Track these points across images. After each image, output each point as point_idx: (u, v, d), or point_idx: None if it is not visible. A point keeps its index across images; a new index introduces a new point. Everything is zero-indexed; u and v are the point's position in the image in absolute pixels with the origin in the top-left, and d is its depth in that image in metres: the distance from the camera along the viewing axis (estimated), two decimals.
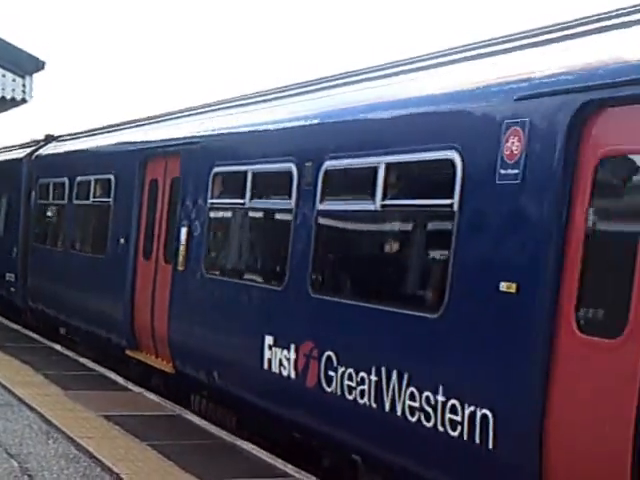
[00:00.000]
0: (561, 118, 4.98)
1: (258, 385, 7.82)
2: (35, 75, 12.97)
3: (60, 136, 15.50)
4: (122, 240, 11.01)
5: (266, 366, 7.53)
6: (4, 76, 12.87)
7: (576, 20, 5.73)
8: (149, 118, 12.14)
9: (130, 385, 10.18)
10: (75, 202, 13.10)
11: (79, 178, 12.98)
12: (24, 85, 12.71)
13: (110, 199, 11.66)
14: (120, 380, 10.43)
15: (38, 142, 16.06)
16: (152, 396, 9.68)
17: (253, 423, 8.30)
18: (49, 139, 15.72)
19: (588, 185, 4.83)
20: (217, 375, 8.54)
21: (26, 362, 11.07)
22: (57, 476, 6.55)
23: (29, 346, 12.58)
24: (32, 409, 8.57)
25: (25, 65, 12.75)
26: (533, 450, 4.83)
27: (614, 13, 5.41)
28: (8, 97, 12.86)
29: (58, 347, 12.50)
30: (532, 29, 6.02)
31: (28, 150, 15.89)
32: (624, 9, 5.35)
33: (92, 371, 11.00)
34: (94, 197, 12.40)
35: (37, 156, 15.25)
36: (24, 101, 12.90)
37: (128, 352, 10.64)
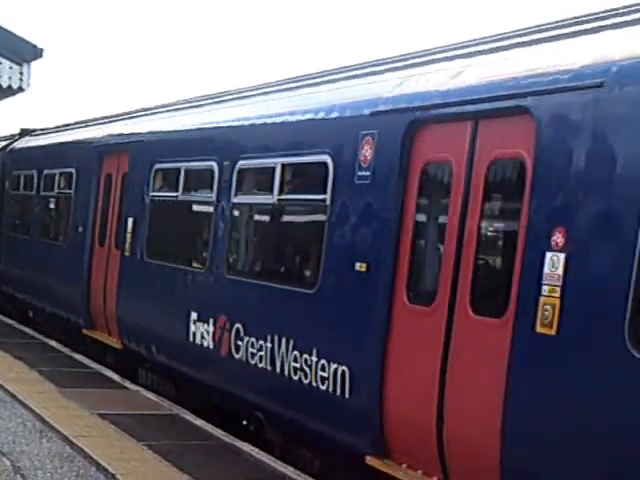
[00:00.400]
0: (397, 132, 6.41)
1: (186, 356, 9.01)
2: (33, 63, 12.78)
3: (34, 131, 16.43)
4: (81, 228, 12.30)
5: (192, 339, 8.74)
6: (1, 63, 12.66)
7: (409, 54, 7.46)
8: (108, 117, 13.34)
9: (127, 383, 10.03)
10: (42, 193, 14.26)
11: (46, 171, 14.14)
12: (21, 73, 12.50)
13: (72, 191, 12.93)
14: (116, 378, 10.29)
15: (14, 136, 16.97)
16: (149, 395, 9.54)
17: (189, 392, 9.34)
18: (24, 133, 16.60)
19: (416, 185, 6.28)
20: (155, 349, 9.71)
21: (20, 358, 10.92)
22: (51, 475, 6.43)
23: (23, 342, 12.44)
24: (26, 406, 8.43)
25: (23, 52, 12.54)
26: (376, 397, 6.25)
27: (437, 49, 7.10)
28: (5, 85, 12.65)
29: (53, 343, 12.36)
30: (388, 58, 7.70)
31: (4, 143, 16.97)
32: (445, 47, 7.01)
33: (87, 368, 10.86)
34: (58, 189, 13.64)
35: (11, 149, 16.30)
36: (21, 89, 12.68)
37: (85, 331, 11.76)
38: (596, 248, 4.81)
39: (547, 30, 6.07)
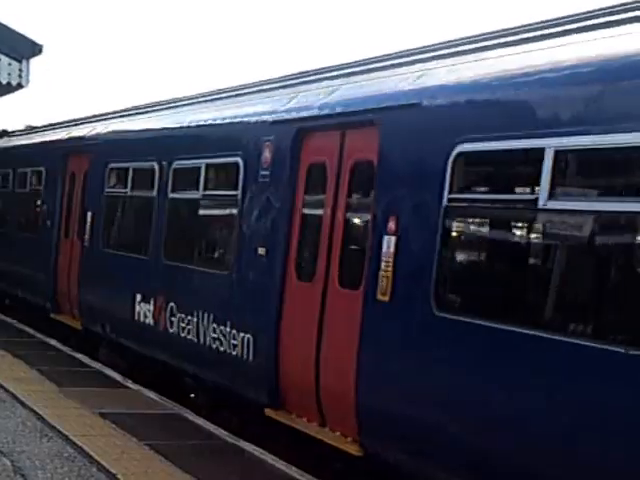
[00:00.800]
0: (288, 138, 7.81)
1: (132, 333, 10.34)
2: (32, 60, 12.69)
3: (13, 132, 17.87)
4: (49, 222, 13.62)
5: (137, 317, 10.08)
6: (0, 60, 12.59)
7: (303, 73, 8.96)
8: (74, 120, 14.73)
9: (128, 383, 9.96)
10: (17, 190, 15.68)
11: (20, 170, 15.56)
12: (20, 70, 12.43)
13: (41, 188, 14.39)
14: (117, 377, 10.24)
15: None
16: (150, 394, 9.47)
17: (140, 367, 10.51)
18: (3, 134, 17.95)
19: (303, 183, 7.62)
20: (108, 328, 11.10)
21: (20, 357, 10.86)
22: (51, 475, 6.36)
23: (24, 341, 12.39)
24: (25, 406, 8.37)
25: (22, 49, 12.48)
26: (272, 358, 7.61)
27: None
28: (4, 82, 12.59)
29: (53, 342, 12.30)
30: (287, 75, 9.24)
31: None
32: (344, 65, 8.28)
33: (88, 367, 10.81)
34: (30, 186, 15.10)
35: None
36: (20, 86, 12.61)
37: (52, 315, 13.07)
38: (414, 232, 6.24)
39: (399, 57, 7.54)
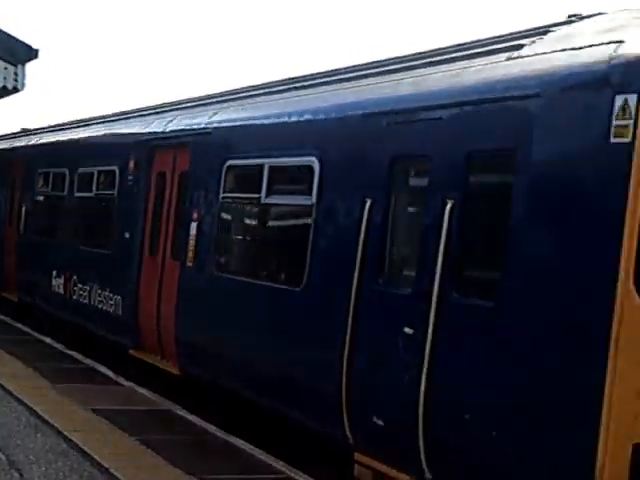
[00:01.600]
0: (145, 153, 10.64)
1: (51, 301, 13.12)
2: (28, 64, 12.82)
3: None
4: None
5: (54, 289, 12.90)
6: None
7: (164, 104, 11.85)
8: (24, 131, 17.80)
9: (121, 380, 10.08)
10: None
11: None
12: (16, 74, 12.57)
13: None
14: (110, 374, 10.35)
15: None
16: (142, 390, 9.60)
17: (57, 327, 13.08)
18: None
19: (153, 186, 10.39)
20: (37, 298, 13.84)
21: (15, 354, 10.98)
22: (45, 469, 6.48)
23: (19, 338, 12.50)
24: (21, 402, 8.49)
25: (18, 53, 12.60)
26: (133, 312, 10.31)
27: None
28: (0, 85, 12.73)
29: (48, 340, 12.41)
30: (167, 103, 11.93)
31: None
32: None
33: (81, 364, 10.93)
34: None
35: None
36: (16, 90, 12.75)
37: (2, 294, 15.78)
38: (206, 220, 9.00)
39: (210, 98, 10.53)
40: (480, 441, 5.25)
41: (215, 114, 9.46)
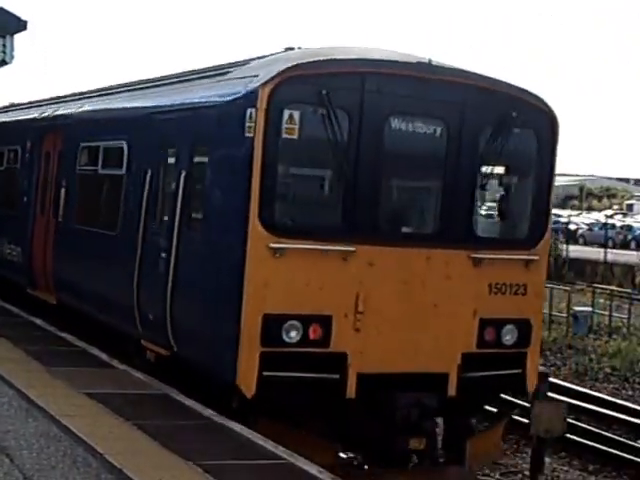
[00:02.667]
0: (37, 136, 13.63)
1: None
2: (16, 36, 12.57)
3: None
4: None
5: None
6: None
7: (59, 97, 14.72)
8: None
9: (115, 362, 9.91)
10: None
11: None
12: (4, 45, 12.35)
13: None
14: (104, 357, 10.18)
15: None
16: (137, 374, 9.43)
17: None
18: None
19: (42, 161, 13.18)
20: None
21: (6, 337, 10.79)
22: (37, 455, 6.34)
23: (9, 321, 12.31)
24: (12, 386, 8.34)
25: (6, 25, 12.37)
26: (27, 259, 13.23)
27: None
28: None
29: (39, 322, 12.24)
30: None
31: None
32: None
33: (74, 347, 10.75)
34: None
35: None
36: (4, 62, 12.54)
37: None
38: (67, 186, 12.08)
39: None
40: (195, 321, 8.47)
41: (79, 107, 12.48)
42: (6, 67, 13.24)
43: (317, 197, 8.38)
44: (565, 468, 11.68)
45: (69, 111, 12.65)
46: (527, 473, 10.72)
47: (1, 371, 8.86)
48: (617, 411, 14.01)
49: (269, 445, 7.07)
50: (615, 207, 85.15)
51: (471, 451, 8.32)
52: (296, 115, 7.65)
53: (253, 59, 8.94)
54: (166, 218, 9.05)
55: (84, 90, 13.70)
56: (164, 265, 8.81)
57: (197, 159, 8.65)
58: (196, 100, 8.98)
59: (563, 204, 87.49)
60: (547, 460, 10.85)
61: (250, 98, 7.73)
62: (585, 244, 46.26)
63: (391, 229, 8.29)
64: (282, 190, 7.95)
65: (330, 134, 7.74)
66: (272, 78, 7.68)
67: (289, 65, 7.85)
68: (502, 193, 8.65)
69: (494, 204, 8.74)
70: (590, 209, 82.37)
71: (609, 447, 12.03)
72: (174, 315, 8.60)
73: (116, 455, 6.41)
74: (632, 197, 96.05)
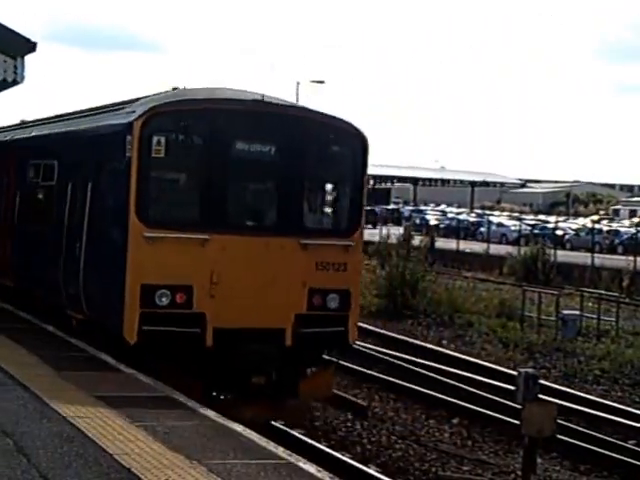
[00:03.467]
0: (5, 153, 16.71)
1: None
2: (27, 57, 13.02)
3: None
4: None
5: None
6: None
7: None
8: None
9: (121, 367, 10.30)
10: None
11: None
12: (16, 67, 12.77)
13: None
14: (111, 361, 10.56)
15: None
16: (143, 377, 9.81)
17: None
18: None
19: (7, 176, 15.58)
20: None
21: (20, 342, 11.19)
22: (51, 454, 6.68)
23: (23, 327, 12.70)
24: (27, 389, 8.69)
25: (17, 46, 12.80)
26: None
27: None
28: (0, 79, 12.92)
29: (50, 328, 12.62)
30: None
31: None
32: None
33: (84, 352, 11.11)
34: None
35: None
36: (15, 83, 12.98)
37: None
38: (20, 193, 14.89)
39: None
40: (97, 292, 11.21)
41: (29, 133, 15.24)
42: (17, 87, 13.75)
43: (180, 199, 11.13)
44: (557, 468, 11.97)
45: (23, 136, 15.60)
46: (519, 473, 11.01)
47: (17, 375, 9.23)
48: (607, 412, 14.28)
49: (271, 446, 7.40)
50: (601, 212, 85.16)
51: (304, 389, 11.19)
52: (162, 140, 10.34)
53: (143, 97, 11.62)
54: (79, 216, 11.78)
55: (38, 118, 17.06)
56: (78, 252, 11.61)
57: (98, 172, 11.49)
58: (98, 128, 11.92)
59: (550, 210, 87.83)
60: (538, 460, 11.14)
61: (129, 128, 10.48)
62: (572, 249, 46.49)
63: (238, 222, 10.93)
64: (153, 194, 10.70)
65: (188, 153, 10.68)
66: (143, 114, 10.53)
67: (156, 104, 10.81)
68: (325, 196, 11.89)
69: (320, 204, 11.92)
70: (577, 215, 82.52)
71: (600, 448, 12.33)
72: (85, 289, 11.44)
73: (124, 455, 6.71)
74: (618, 202, 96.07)
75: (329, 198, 11.89)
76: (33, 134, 15.01)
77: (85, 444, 6.99)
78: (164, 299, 10.30)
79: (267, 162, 10.99)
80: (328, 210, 11.91)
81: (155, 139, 10.33)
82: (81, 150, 12.25)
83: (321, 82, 51.61)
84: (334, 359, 12.34)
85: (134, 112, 10.74)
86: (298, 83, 49.81)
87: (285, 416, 11.22)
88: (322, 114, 11.39)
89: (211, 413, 8.37)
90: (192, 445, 7.16)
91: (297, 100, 49.94)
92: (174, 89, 11.83)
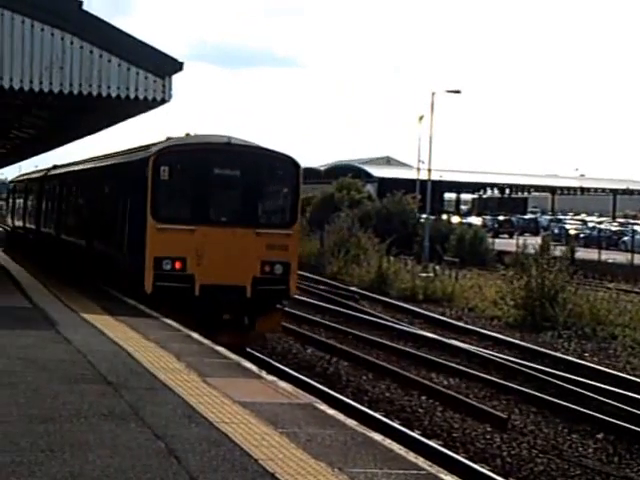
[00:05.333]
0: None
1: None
2: (174, 76, 13.67)
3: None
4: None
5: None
6: (146, 78, 13.61)
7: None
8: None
9: (263, 374, 10.55)
10: (47, 192, 29.87)
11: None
12: (164, 86, 13.43)
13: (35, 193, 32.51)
14: (254, 369, 10.84)
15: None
16: (284, 384, 10.01)
17: None
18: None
19: (46, 194, 29.87)
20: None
21: (166, 348, 11.65)
22: (200, 458, 6.88)
23: (170, 334, 13.21)
24: (175, 394, 9.01)
25: (165, 67, 13.46)
26: None
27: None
28: (150, 98, 13.58)
29: (196, 335, 13.09)
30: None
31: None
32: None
33: (228, 359, 11.44)
34: (36, 192, 31.69)
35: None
36: (163, 101, 13.65)
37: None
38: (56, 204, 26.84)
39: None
40: (132, 258, 17.42)
41: (76, 167, 24.95)
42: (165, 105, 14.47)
43: (178, 205, 17.39)
44: None
45: (71, 169, 25.99)
46: None
47: (165, 380, 9.60)
48: None
49: (410, 456, 7.38)
50: None
51: (260, 326, 17.10)
52: (166, 169, 16.46)
53: (160, 142, 17.65)
54: (123, 214, 18.00)
55: (98, 155, 24.06)
56: (123, 233, 17.99)
57: (133, 188, 17.62)
58: (132, 161, 18.32)
59: None
60: None
61: (147, 162, 16.71)
62: None
63: (215, 219, 16.87)
64: (161, 202, 16.75)
65: (183, 176, 17.05)
66: (155, 153, 16.75)
67: (162, 147, 17.01)
68: (272, 202, 18.25)
69: (268, 207, 18.10)
70: None
71: None
72: (128, 256, 17.77)
73: (268, 461, 6.83)
74: None
75: (275, 203, 18.27)
76: (99, 165, 22.27)
77: (232, 449, 7.17)
78: (168, 266, 16.23)
79: (234, 181, 17.06)
80: (274, 211, 18.14)
81: (162, 168, 16.43)
82: (125, 174, 18.56)
83: (457, 92, 50.97)
84: (281, 307, 17.77)
85: (150, 151, 17.08)
86: (433, 93, 49.46)
87: (247, 343, 16.81)
88: (269, 149, 17.45)
89: (351, 422, 8.43)
90: (333, 453, 7.22)
91: (432, 109, 49.71)
92: (187, 134, 18.19)
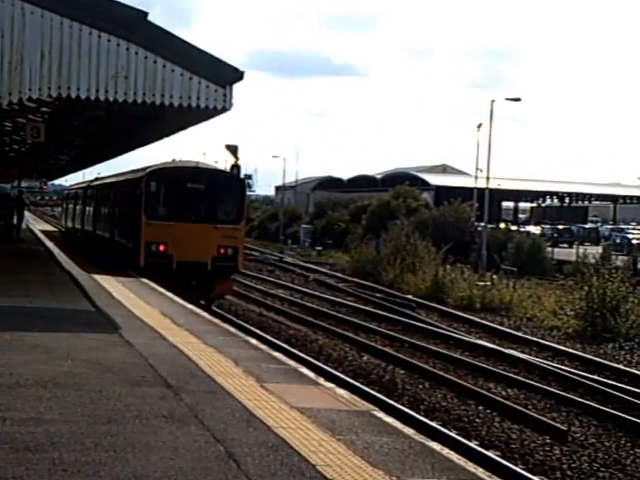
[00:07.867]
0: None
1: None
2: (235, 85, 13.87)
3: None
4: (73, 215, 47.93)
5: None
6: (207, 87, 13.84)
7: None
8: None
9: (321, 380, 10.59)
10: (88, 199, 39.42)
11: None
12: (225, 95, 13.62)
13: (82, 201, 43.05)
14: (311, 375, 10.89)
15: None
16: (342, 391, 10.04)
17: None
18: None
19: (85, 200, 41.84)
20: None
21: (225, 353, 11.77)
22: (259, 462, 6.94)
23: (227, 339, 13.35)
24: (233, 398, 9.09)
25: (225, 76, 13.66)
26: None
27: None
28: (211, 106, 13.79)
29: (253, 341, 13.21)
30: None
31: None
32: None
33: (285, 365, 11.51)
34: (81, 199, 42.85)
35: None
36: (224, 110, 13.85)
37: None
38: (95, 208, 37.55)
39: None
40: (129, 242, 26.82)
41: (99, 181, 38.26)
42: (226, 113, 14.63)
43: (162, 208, 25.23)
44: None
45: (104, 181, 36.13)
46: None
47: (224, 385, 9.70)
48: None
49: (469, 465, 7.33)
50: None
51: (217, 289, 25.35)
52: (154, 184, 25.19)
53: (154, 165, 26.66)
54: (126, 214, 27.08)
55: (109, 174, 35.08)
56: (128, 227, 26.61)
57: (132, 197, 26.24)
58: (132, 179, 27.55)
59: None
60: None
61: (141, 179, 25.40)
62: None
63: (187, 218, 24.77)
64: (151, 206, 24.98)
65: (165, 189, 25.47)
66: (146, 174, 25.58)
67: (153, 169, 26.05)
68: (225, 207, 25.87)
69: (223, 210, 25.78)
70: None
71: None
72: (128, 242, 26.57)
73: (326, 467, 6.86)
74: None
75: (227, 207, 25.81)
76: (117, 179, 31.97)
77: (289, 454, 7.21)
78: (155, 248, 24.27)
79: (200, 192, 24.99)
80: (227, 212, 25.66)
81: (152, 183, 25.03)
82: (130, 187, 27.15)
83: (517, 100, 50.52)
84: (231, 277, 26.33)
85: (144, 172, 25.73)
86: (493, 101, 49.18)
87: (208, 300, 24.69)
88: (223, 171, 29.00)
89: (409, 430, 8.41)
90: (390, 461, 7.21)
91: (491, 117, 49.33)
92: (173, 160, 28.07)
